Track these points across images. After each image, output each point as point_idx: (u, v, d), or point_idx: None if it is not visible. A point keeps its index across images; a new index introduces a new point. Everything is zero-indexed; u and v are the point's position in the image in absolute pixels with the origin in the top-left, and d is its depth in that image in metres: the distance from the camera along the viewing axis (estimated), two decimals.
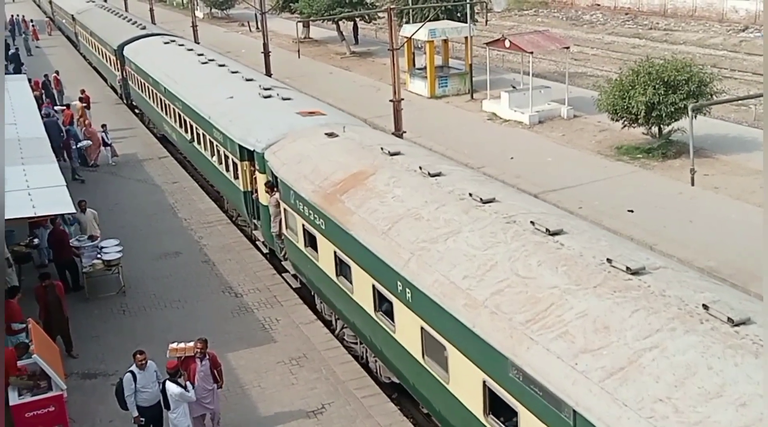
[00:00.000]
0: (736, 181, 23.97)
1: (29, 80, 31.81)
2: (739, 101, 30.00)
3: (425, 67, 38.08)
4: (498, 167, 26.30)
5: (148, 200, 25.30)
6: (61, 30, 67.59)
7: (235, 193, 21.35)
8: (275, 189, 17.93)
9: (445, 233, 11.97)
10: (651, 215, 21.76)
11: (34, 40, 60.91)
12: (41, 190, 16.54)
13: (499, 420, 10.06)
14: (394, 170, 14.67)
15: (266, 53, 36.34)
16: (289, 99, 21.74)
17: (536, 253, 10.62)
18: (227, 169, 21.73)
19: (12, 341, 14.36)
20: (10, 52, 45.59)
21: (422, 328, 11.57)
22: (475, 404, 10.37)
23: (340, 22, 50.27)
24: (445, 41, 40.30)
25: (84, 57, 52.72)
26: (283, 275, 19.14)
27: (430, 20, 36.51)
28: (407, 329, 12.13)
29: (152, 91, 31.00)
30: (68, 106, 33.16)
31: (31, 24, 64.56)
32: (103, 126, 30.00)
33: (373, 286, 13.13)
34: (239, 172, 20.43)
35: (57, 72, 40.33)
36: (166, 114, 29.13)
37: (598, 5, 63.24)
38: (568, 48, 35.16)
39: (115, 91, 40.89)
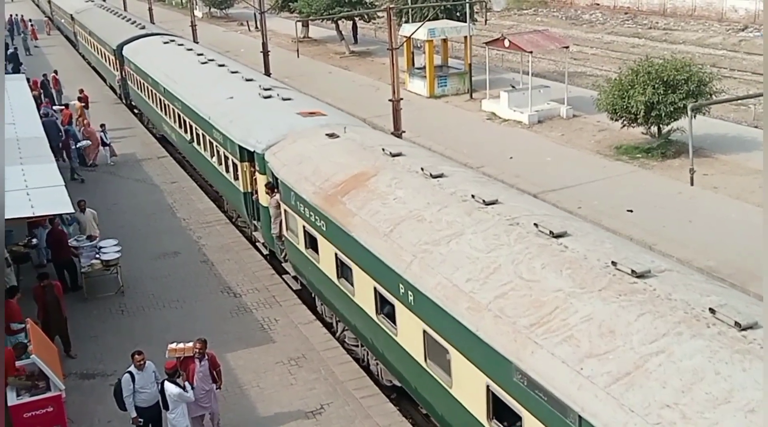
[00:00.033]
0: (736, 181, 23.95)
1: (28, 80, 31.74)
2: (739, 101, 30.03)
3: (424, 67, 38.02)
4: (497, 167, 26.24)
5: (146, 200, 25.24)
6: (60, 30, 67.44)
7: (235, 195, 21.26)
8: (275, 190, 17.85)
9: (447, 235, 11.88)
10: (650, 215, 21.73)
11: (32, 40, 60.73)
12: (40, 190, 16.51)
13: (503, 425, 9.98)
14: (396, 171, 14.57)
15: (265, 53, 36.28)
16: (289, 99, 21.63)
17: (540, 255, 10.53)
18: (227, 170, 21.63)
19: (11, 341, 14.34)
20: (8, 52, 45.44)
21: (424, 331, 11.48)
22: (478, 409, 10.29)
23: (340, 22, 50.20)
24: (445, 41, 40.21)
25: (83, 57, 52.59)
26: (284, 276, 19.06)
27: (429, 20, 36.44)
28: (409, 332, 12.04)
29: (152, 91, 30.89)
30: (67, 105, 33.07)
31: (29, 23, 64.38)
32: (102, 126, 29.94)
33: (375, 288, 13.04)
34: (239, 173, 20.33)
35: (56, 72, 40.24)
36: (166, 114, 29.02)
37: (598, 4, 63.19)
38: (567, 47, 35.12)
39: (114, 91, 40.78)
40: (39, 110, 26.87)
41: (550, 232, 10.96)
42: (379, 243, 12.74)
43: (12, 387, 13.11)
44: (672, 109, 25.29)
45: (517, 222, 11.62)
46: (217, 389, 13.05)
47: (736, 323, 8.16)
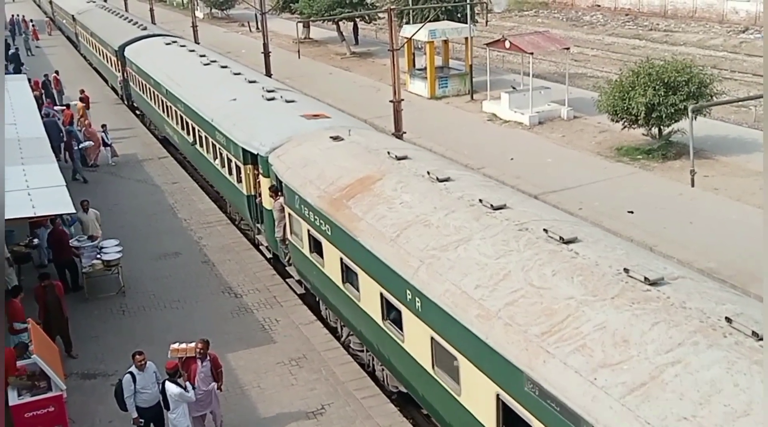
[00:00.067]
0: (736, 183, 23.90)
1: (29, 80, 31.61)
2: (739, 102, 30.00)
3: (425, 68, 37.94)
4: (498, 168, 26.17)
5: (147, 200, 25.18)
6: (61, 30, 67.28)
7: (239, 198, 21.12)
8: (279, 193, 17.72)
9: (455, 240, 11.73)
10: (651, 216, 21.67)
11: (34, 40, 60.65)
12: (41, 191, 16.50)
13: None
14: (402, 175, 14.44)
15: (266, 54, 36.15)
16: (293, 101, 21.48)
17: (550, 262, 10.39)
18: (230, 173, 21.49)
19: (13, 340, 14.35)
20: (10, 52, 45.38)
21: (432, 338, 11.34)
22: (487, 418, 10.14)
23: (341, 23, 50.06)
24: (445, 42, 40.15)
25: (84, 57, 52.43)
26: (287, 280, 18.94)
27: (430, 21, 36.30)
28: (416, 339, 11.91)
29: (154, 92, 30.73)
30: (68, 106, 32.96)
31: (31, 24, 64.30)
32: (103, 126, 29.82)
33: (381, 294, 12.90)
34: (243, 176, 20.20)
35: (57, 72, 40.08)
36: (168, 116, 28.86)
37: (599, 6, 63.13)
38: (568, 49, 35.01)
39: (116, 91, 40.64)
40: (40, 111, 26.78)
41: (561, 238, 10.81)
42: (386, 248, 12.61)
43: (13, 387, 13.10)
44: (673, 110, 25.26)
45: (526, 227, 11.48)
46: (217, 389, 13.00)
47: (753, 333, 8.01)
